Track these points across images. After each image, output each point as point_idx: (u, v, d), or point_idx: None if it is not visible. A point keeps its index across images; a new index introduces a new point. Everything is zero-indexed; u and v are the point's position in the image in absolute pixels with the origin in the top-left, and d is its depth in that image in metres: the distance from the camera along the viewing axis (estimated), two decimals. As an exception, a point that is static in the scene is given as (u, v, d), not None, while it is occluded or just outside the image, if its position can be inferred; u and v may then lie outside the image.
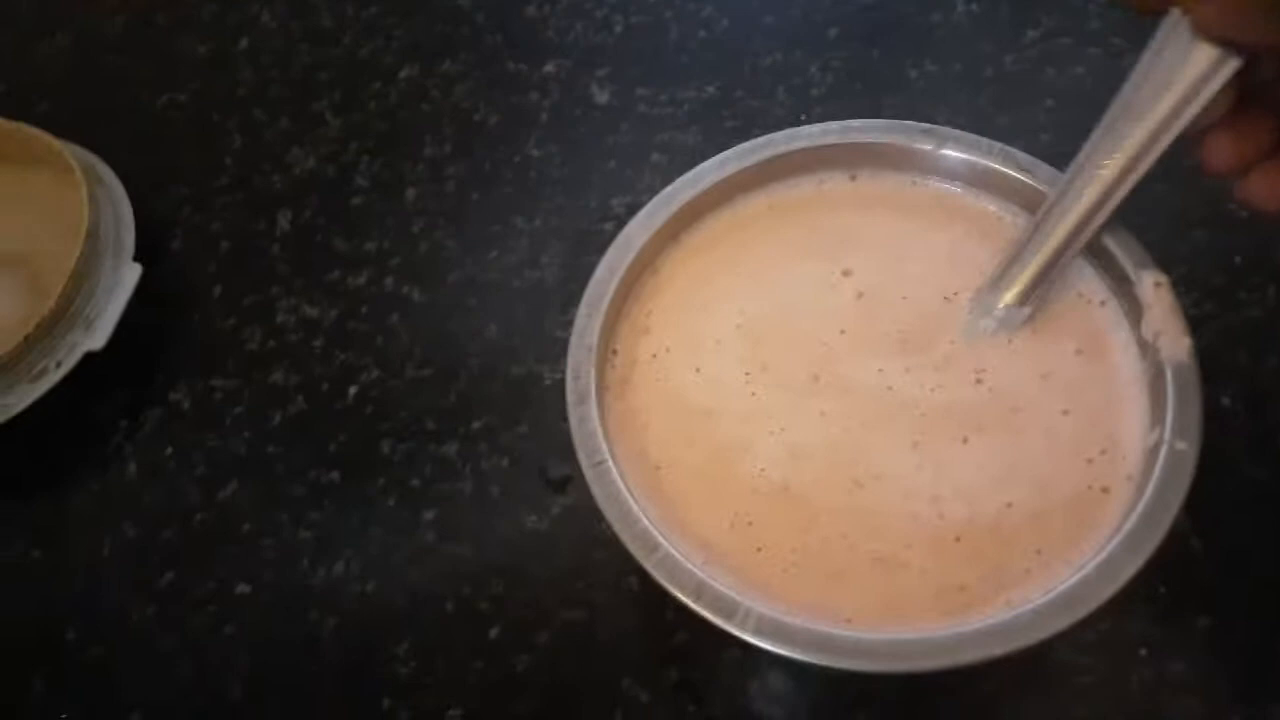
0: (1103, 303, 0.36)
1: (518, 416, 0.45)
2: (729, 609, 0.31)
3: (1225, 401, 0.42)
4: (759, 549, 0.34)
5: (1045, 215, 0.35)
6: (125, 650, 0.43)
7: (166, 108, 0.59)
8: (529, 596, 0.41)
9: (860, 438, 0.35)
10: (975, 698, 0.39)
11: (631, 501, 0.33)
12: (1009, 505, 0.34)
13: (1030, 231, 0.35)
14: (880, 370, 0.36)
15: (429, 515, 0.44)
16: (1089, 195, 0.34)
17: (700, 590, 0.31)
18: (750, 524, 0.34)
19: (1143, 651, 0.38)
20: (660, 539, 0.32)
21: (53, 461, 0.48)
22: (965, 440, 0.35)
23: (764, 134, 0.41)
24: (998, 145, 0.38)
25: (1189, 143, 0.49)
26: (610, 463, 0.34)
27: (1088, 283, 0.37)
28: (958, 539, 0.33)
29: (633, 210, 0.40)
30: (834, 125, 0.40)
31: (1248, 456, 0.41)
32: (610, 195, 0.51)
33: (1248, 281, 0.45)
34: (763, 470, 0.35)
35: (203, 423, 0.48)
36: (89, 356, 0.47)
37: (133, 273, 0.49)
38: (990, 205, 0.39)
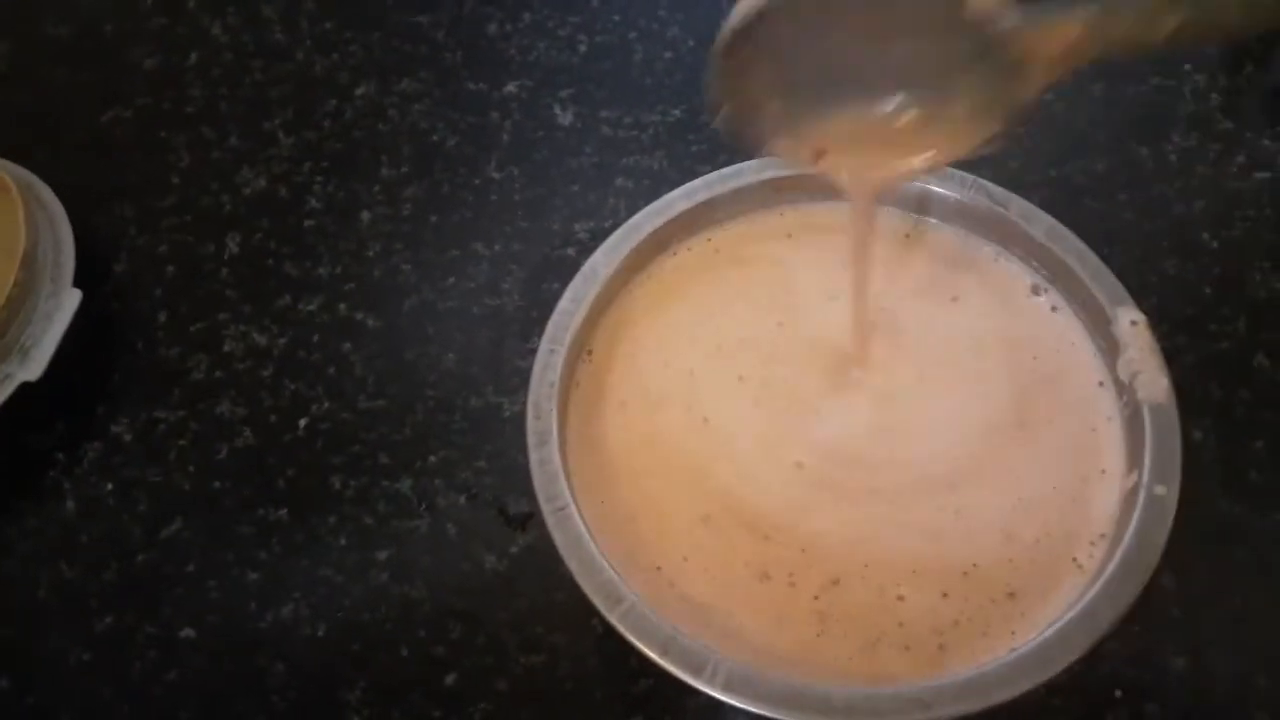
0: (1076, 346, 0.36)
1: (476, 451, 0.44)
2: (698, 664, 0.30)
3: (1198, 435, 0.41)
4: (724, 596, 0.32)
5: None
6: (61, 699, 0.40)
7: (110, 123, 0.57)
8: (488, 641, 0.40)
9: (836, 479, 0.34)
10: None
11: (595, 550, 0.32)
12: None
13: None
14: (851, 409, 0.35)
15: (382, 555, 0.42)
16: None
17: (668, 645, 0.30)
18: (718, 567, 0.33)
19: (1117, 693, 0.37)
20: (625, 590, 0.31)
21: (-16, 498, 0.45)
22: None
23: (731, 160, 0.40)
24: (971, 178, 0.38)
25: (1159, 171, 0.49)
26: (572, 508, 0.33)
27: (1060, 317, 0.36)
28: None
29: (596, 236, 0.39)
30: (804, 154, 0.39)
31: (1221, 491, 0.40)
32: (573, 220, 0.50)
33: (1218, 313, 0.44)
34: (737, 510, 0.34)
35: (145, 456, 0.45)
36: (24, 387, 0.44)
37: (72, 298, 0.46)
38: (964, 238, 0.38)
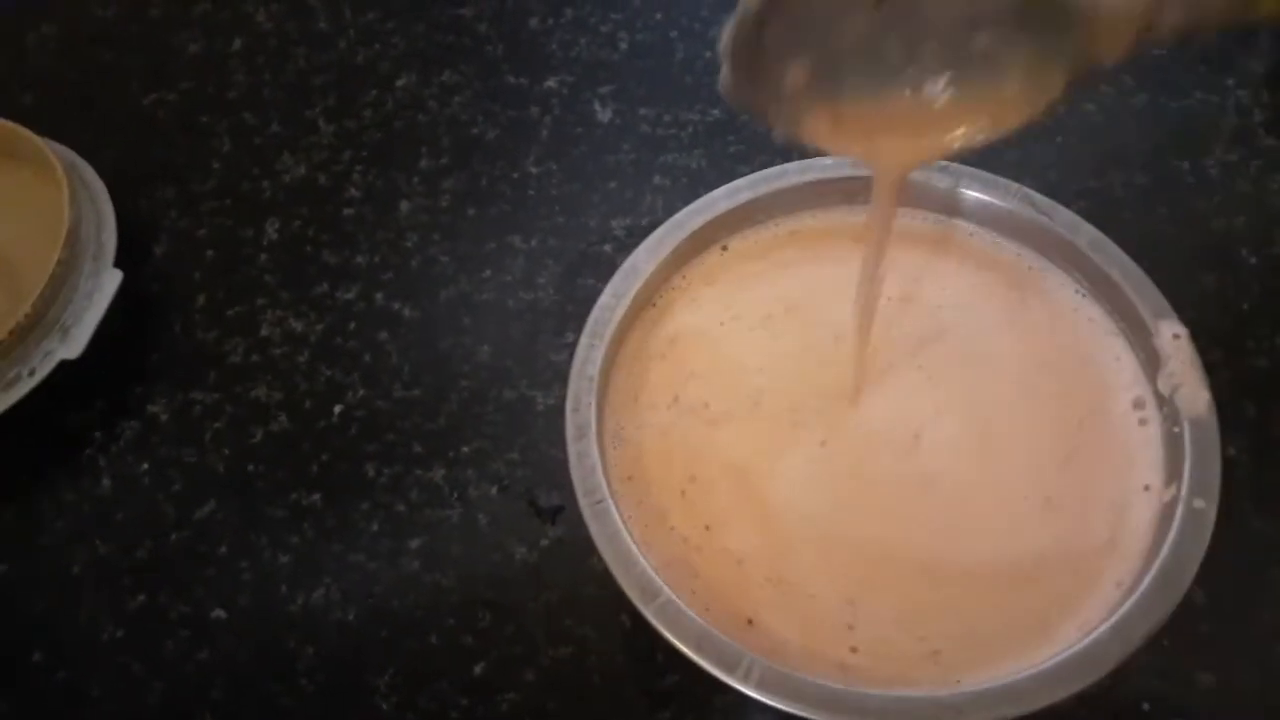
0: (1117, 358, 0.35)
1: (509, 443, 0.44)
2: (731, 661, 0.30)
3: (1232, 452, 0.41)
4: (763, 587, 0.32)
5: None
6: (93, 674, 0.41)
7: (154, 107, 0.57)
8: (516, 631, 0.40)
9: (872, 487, 0.34)
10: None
11: (632, 544, 0.32)
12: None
13: None
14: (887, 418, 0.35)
15: (414, 543, 0.42)
16: None
17: (702, 641, 0.30)
18: (756, 564, 0.33)
19: (1145, 706, 0.37)
20: (662, 585, 0.31)
21: (23, 473, 0.46)
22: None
23: (768, 160, 0.40)
24: (1015, 185, 0.38)
25: (1200, 185, 0.48)
26: (610, 502, 0.33)
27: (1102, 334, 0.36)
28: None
29: (633, 233, 0.39)
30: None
31: (1255, 509, 0.40)
32: (610, 217, 0.50)
33: (1256, 330, 0.44)
34: (774, 514, 0.34)
35: (181, 437, 0.46)
36: (64, 365, 0.45)
37: (113, 278, 0.47)
38: (1006, 248, 0.38)
